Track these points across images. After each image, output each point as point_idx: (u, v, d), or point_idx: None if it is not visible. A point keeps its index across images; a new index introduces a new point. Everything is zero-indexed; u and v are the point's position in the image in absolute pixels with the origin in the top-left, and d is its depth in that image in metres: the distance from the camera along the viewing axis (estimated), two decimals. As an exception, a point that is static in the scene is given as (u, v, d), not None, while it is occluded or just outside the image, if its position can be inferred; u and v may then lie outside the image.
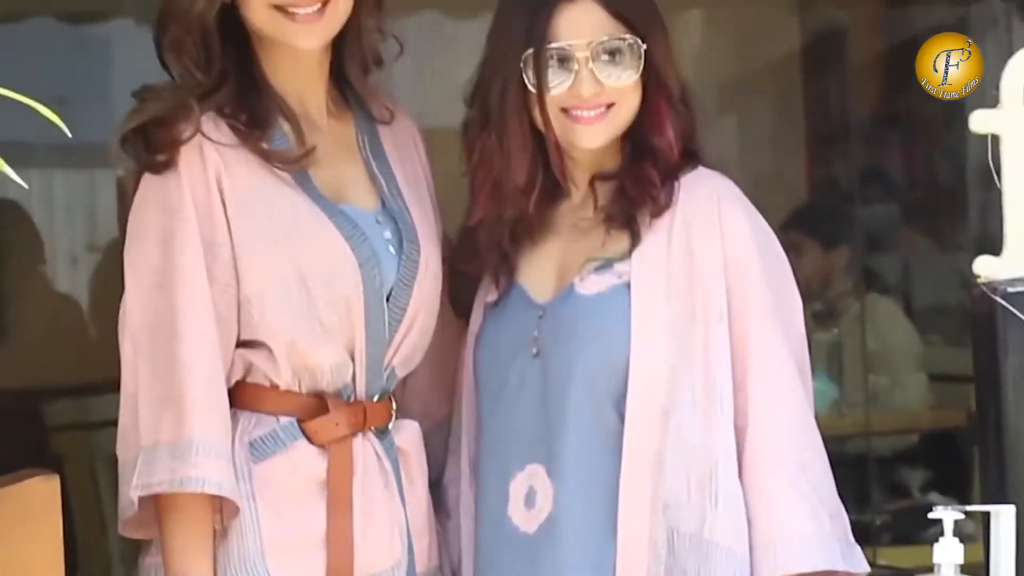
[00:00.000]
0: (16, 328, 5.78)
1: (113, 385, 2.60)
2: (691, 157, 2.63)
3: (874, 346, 5.63)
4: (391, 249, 2.64)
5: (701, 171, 2.61)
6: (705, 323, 2.50)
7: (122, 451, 2.55)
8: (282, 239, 2.55)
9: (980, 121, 2.67)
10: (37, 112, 1.64)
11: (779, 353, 2.50)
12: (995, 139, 2.66)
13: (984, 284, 2.63)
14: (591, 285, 2.59)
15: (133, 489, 2.49)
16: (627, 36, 2.59)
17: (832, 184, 7.05)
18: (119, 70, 6.45)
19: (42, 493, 2.55)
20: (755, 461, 2.47)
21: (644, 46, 2.59)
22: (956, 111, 7.07)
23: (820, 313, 5.65)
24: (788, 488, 2.46)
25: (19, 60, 5.99)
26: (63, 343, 6.21)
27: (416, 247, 2.65)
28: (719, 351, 2.49)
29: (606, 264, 2.59)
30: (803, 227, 5.73)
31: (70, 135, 1.78)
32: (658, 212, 2.57)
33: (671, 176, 2.59)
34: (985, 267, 2.66)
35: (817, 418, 2.55)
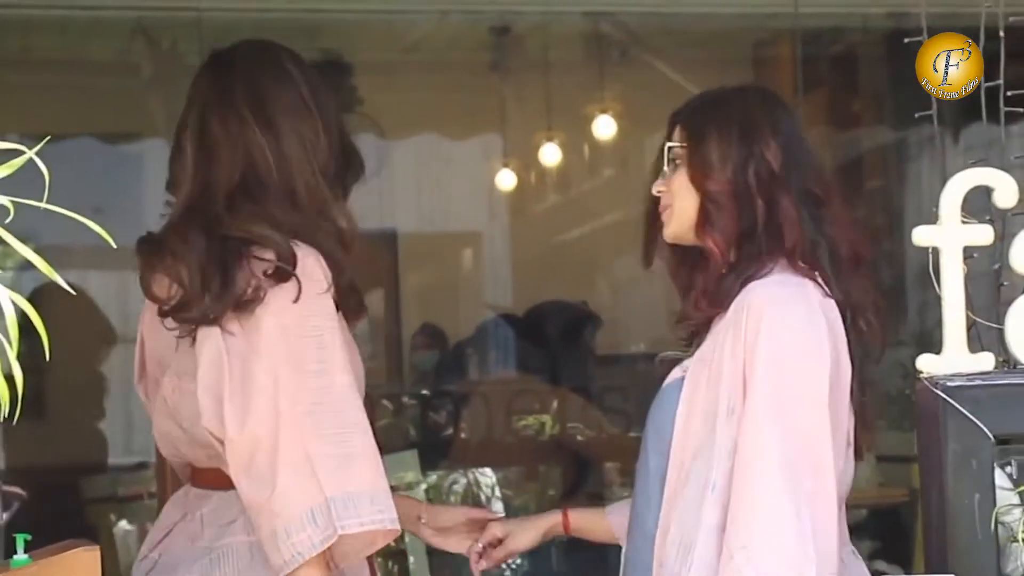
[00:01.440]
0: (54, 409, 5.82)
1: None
2: (752, 258, 2.54)
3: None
4: None
5: (770, 278, 2.51)
6: (718, 417, 2.46)
7: (285, 507, 2.50)
8: None
9: (921, 236, 2.72)
10: (80, 223, 1.69)
11: (762, 452, 2.39)
12: (935, 251, 2.71)
13: (926, 379, 2.68)
14: (671, 376, 2.61)
15: (338, 529, 2.47)
16: (672, 142, 2.62)
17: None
18: (149, 183, 6.55)
19: (84, 563, 2.53)
20: (725, 540, 2.40)
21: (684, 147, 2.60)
22: (897, 223, 7.18)
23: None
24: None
25: (62, 174, 6.06)
26: (96, 423, 6.25)
27: None
28: (720, 443, 2.43)
29: (682, 358, 2.62)
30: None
31: (114, 245, 1.82)
32: (695, 316, 2.57)
33: (721, 279, 2.54)
34: (927, 364, 2.70)
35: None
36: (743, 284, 2.51)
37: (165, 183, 2.74)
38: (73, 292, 1.86)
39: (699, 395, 2.51)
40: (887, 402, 5.69)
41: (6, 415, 1.68)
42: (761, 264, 2.53)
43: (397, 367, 7.79)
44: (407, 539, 4.74)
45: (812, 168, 2.63)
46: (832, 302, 2.51)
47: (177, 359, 2.67)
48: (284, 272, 2.53)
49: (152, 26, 6.61)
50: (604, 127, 7.41)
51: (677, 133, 2.63)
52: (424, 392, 6.88)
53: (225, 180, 2.65)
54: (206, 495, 2.71)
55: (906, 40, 2.84)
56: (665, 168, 2.63)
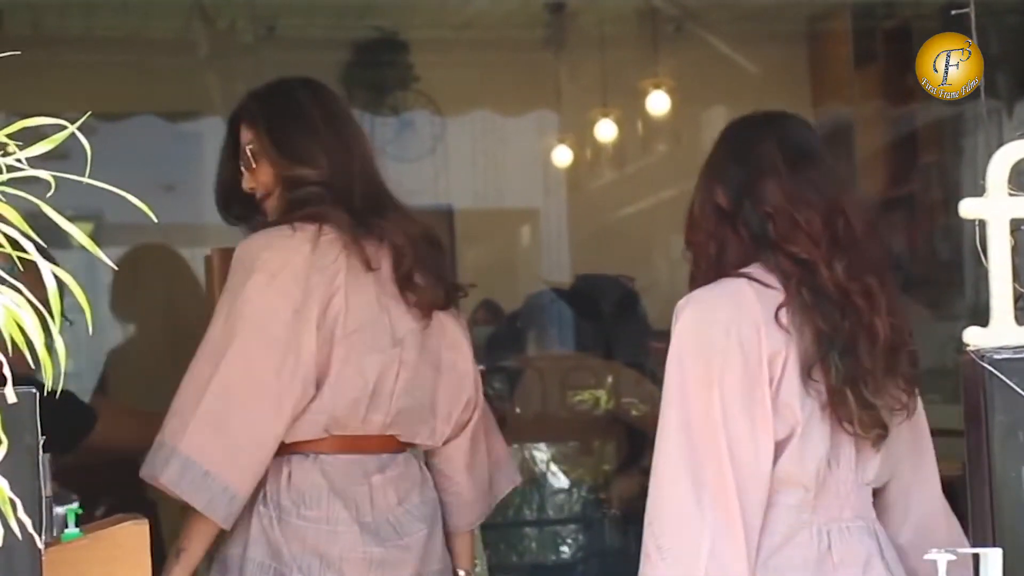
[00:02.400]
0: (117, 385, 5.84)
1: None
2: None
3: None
4: None
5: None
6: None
7: None
8: None
9: (968, 208, 2.69)
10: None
11: (662, 439, 2.73)
12: (982, 224, 2.68)
13: (972, 351, 2.65)
14: None
15: None
16: None
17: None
18: (210, 161, 6.58)
19: (132, 537, 2.55)
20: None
21: None
22: (954, 195, 7.13)
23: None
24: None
25: (130, 152, 6.13)
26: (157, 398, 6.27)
27: None
28: None
29: None
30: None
31: (155, 220, 1.84)
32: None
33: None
34: (974, 336, 2.68)
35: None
36: None
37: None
38: (115, 267, 1.88)
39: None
40: (941, 376, 5.65)
41: (50, 388, 1.70)
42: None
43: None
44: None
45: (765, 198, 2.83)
46: (773, 294, 2.75)
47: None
48: None
49: (209, 5, 6.64)
50: (658, 102, 7.38)
51: None
52: (480, 368, 6.89)
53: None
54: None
55: (953, 12, 2.81)
56: None
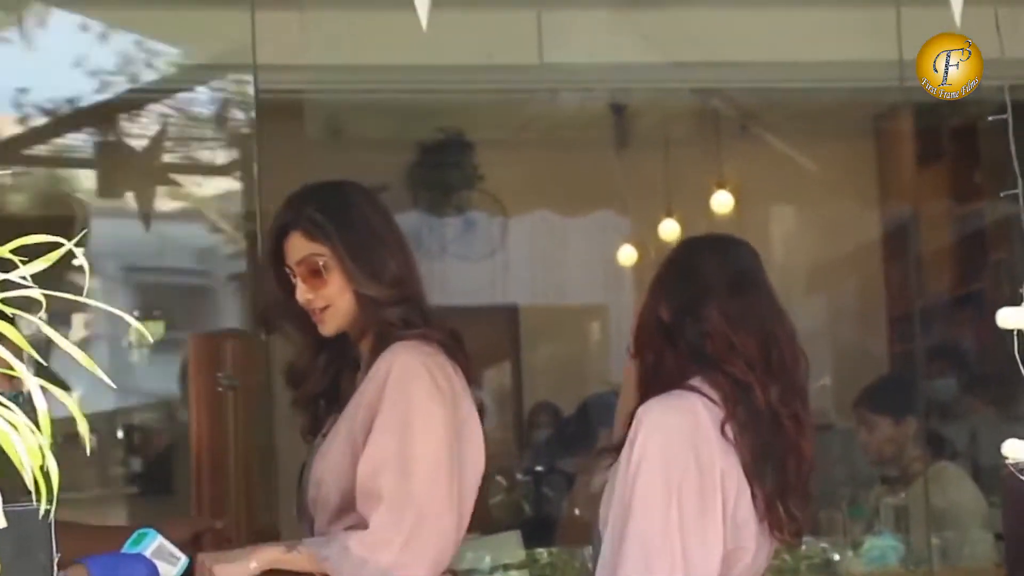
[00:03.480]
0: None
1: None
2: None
3: (942, 505, 5.56)
4: None
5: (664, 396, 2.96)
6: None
7: None
8: None
9: (1005, 318, 2.65)
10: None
11: (618, 542, 2.86)
12: (1020, 334, 2.63)
13: (1012, 464, 2.59)
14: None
15: None
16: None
17: (908, 357, 7.00)
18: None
19: None
20: None
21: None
22: (1017, 295, 7.05)
23: (891, 479, 5.60)
24: None
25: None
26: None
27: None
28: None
29: None
30: (875, 401, 5.66)
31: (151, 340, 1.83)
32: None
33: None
34: (1013, 449, 2.62)
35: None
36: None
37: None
38: (113, 386, 1.85)
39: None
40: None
41: (47, 507, 1.68)
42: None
43: (517, 442, 7.76)
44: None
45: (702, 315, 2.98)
46: (716, 410, 2.91)
47: None
48: None
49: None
50: (722, 201, 7.36)
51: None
52: (538, 468, 6.85)
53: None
54: None
55: (990, 118, 2.77)
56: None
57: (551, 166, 7.55)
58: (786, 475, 2.94)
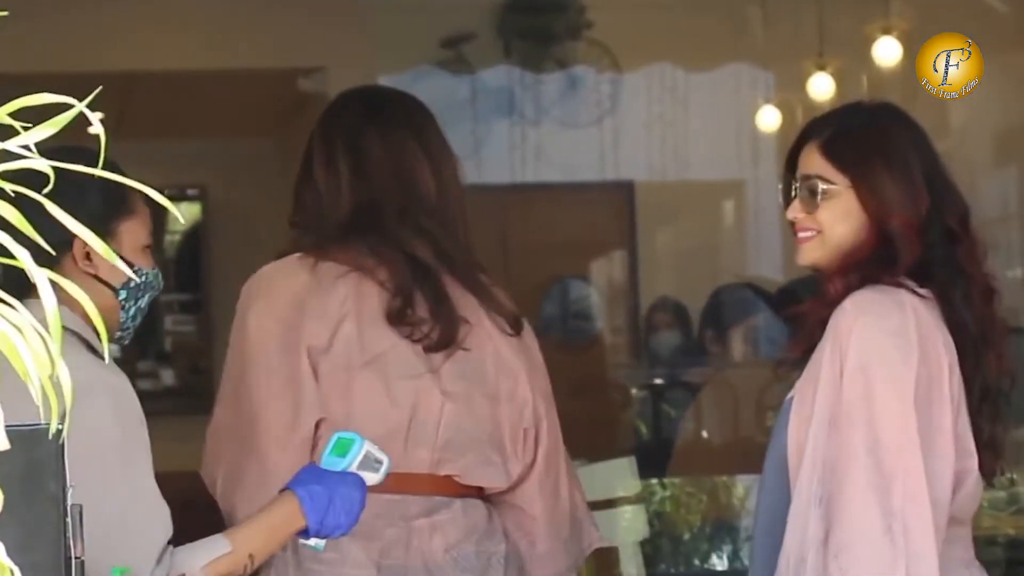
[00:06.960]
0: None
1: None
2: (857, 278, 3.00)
3: None
4: None
5: (864, 289, 2.97)
6: (814, 427, 2.96)
7: None
8: None
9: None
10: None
11: (850, 463, 2.91)
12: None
13: None
14: (787, 398, 3.10)
15: None
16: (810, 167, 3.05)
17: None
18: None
19: None
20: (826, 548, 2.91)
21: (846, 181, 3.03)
22: None
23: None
24: None
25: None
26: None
27: None
28: (818, 454, 2.94)
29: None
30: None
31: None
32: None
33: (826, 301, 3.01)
34: None
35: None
36: None
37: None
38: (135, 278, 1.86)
39: (804, 410, 2.99)
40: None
41: (58, 426, 1.70)
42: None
43: (633, 349, 7.77)
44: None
45: (952, 204, 3.05)
46: (930, 305, 2.97)
47: None
48: None
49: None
50: (887, 51, 7.28)
51: (820, 161, 3.03)
52: (658, 381, 6.87)
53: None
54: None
55: None
56: (805, 193, 3.04)
57: (674, 9, 7.51)
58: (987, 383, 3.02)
